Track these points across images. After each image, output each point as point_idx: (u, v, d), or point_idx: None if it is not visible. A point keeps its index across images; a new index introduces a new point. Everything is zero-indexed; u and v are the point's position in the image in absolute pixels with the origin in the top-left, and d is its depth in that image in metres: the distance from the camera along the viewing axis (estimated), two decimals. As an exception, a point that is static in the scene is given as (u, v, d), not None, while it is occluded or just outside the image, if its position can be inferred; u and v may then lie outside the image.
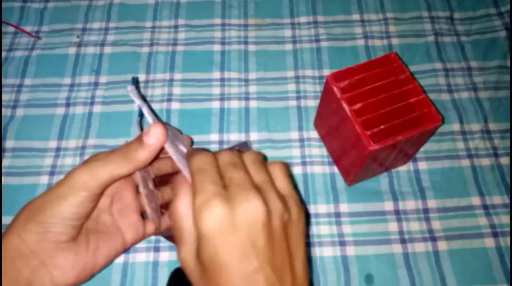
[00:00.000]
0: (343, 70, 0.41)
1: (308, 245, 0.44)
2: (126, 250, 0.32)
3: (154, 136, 0.26)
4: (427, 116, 0.39)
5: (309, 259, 0.44)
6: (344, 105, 0.39)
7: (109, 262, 0.30)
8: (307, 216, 0.46)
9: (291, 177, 0.29)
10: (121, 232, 0.31)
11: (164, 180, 0.35)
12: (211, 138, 0.50)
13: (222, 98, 0.53)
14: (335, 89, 0.40)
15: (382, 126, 0.38)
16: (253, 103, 0.53)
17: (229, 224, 0.22)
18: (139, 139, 0.27)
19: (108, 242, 0.30)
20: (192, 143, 0.48)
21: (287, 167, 0.28)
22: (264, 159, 0.27)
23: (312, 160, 0.49)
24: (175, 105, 0.52)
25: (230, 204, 0.23)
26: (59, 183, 0.27)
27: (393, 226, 0.45)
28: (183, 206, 0.25)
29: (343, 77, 0.41)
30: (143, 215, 0.33)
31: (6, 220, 0.45)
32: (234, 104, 0.53)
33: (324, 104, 0.45)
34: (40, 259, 0.27)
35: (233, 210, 0.23)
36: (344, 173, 0.47)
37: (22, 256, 0.26)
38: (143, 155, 0.26)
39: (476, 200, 0.47)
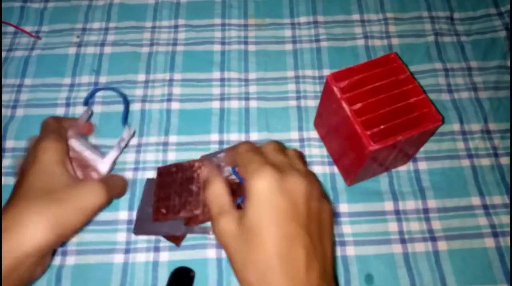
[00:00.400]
0: (343, 70, 0.41)
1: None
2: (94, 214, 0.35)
3: None
4: (427, 116, 0.39)
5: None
6: (344, 105, 0.39)
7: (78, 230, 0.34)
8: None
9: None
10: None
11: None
12: (211, 138, 0.50)
13: (222, 98, 0.53)
14: (335, 89, 0.40)
15: (382, 127, 0.38)
16: (253, 103, 0.53)
17: (278, 187, 0.26)
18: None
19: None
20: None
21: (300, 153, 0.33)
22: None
23: (312, 160, 0.49)
24: (175, 105, 0.52)
25: (280, 174, 0.26)
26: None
27: (393, 226, 0.45)
28: (218, 185, 0.30)
29: (343, 77, 0.41)
30: None
31: (6, 220, 0.45)
32: (234, 104, 0.53)
33: (324, 104, 0.45)
34: None
35: (283, 178, 0.26)
36: (344, 173, 0.47)
37: None
38: None
39: (476, 200, 0.47)
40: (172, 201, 0.38)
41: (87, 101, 0.48)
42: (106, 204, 0.36)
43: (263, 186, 0.26)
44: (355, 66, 0.41)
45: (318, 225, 0.27)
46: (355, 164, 0.42)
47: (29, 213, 0.30)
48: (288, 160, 0.30)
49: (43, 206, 0.31)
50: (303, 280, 0.25)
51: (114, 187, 0.38)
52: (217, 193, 0.30)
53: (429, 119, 0.39)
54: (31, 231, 0.29)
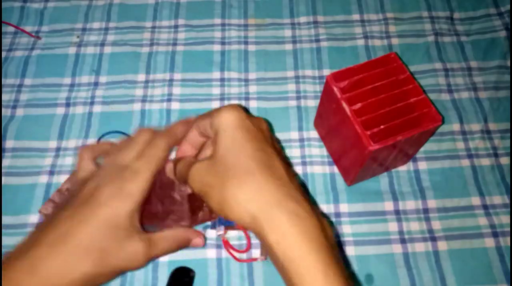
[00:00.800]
0: (343, 70, 0.41)
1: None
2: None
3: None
4: (427, 116, 0.39)
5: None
6: (344, 105, 0.39)
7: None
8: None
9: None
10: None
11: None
12: (211, 138, 0.50)
13: (222, 98, 0.53)
14: (335, 89, 0.40)
15: (382, 126, 0.38)
16: (253, 103, 0.53)
17: (245, 117, 0.27)
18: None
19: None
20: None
21: None
22: None
23: (312, 160, 0.49)
24: (175, 106, 0.52)
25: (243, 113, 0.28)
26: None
27: (393, 226, 0.45)
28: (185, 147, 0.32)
29: (343, 77, 0.41)
30: None
31: (6, 220, 0.45)
32: (234, 104, 0.53)
33: (324, 104, 0.45)
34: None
35: (245, 116, 0.28)
36: (344, 173, 0.47)
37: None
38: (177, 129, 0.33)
39: (476, 200, 0.47)
40: (154, 206, 0.35)
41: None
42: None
43: (230, 117, 0.27)
44: (355, 66, 0.41)
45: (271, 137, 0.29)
46: (355, 164, 0.42)
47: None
48: None
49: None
50: (287, 180, 0.26)
51: (168, 247, 0.31)
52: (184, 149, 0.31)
53: (429, 119, 0.39)
54: None
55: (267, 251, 0.25)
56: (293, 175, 0.27)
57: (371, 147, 0.37)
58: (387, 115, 0.39)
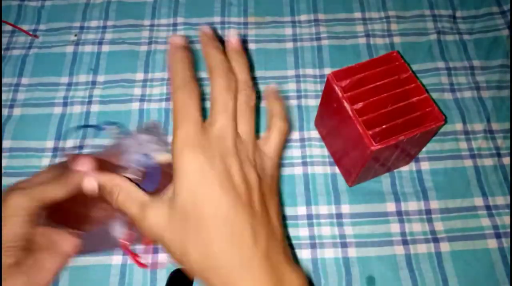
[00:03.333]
0: (344, 69, 0.40)
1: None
2: (69, 259, 0.34)
3: (83, 164, 0.30)
4: (430, 116, 0.39)
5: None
6: (346, 104, 0.39)
7: (56, 275, 0.32)
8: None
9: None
10: (58, 244, 0.33)
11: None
12: (211, 138, 0.50)
13: (221, 97, 0.52)
14: (336, 88, 0.40)
15: (384, 126, 0.38)
16: (253, 103, 0.52)
17: (208, 163, 0.24)
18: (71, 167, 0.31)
19: (50, 256, 0.32)
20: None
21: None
22: None
23: (313, 160, 0.49)
24: (174, 105, 0.52)
25: (206, 149, 0.25)
26: None
27: (395, 227, 0.45)
28: (125, 186, 0.28)
29: (344, 76, 0.40)
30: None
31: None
32: (234, 103, 0.52)
33: (325, 103, 0.45)
34: None
35: (210, 151, 0.25)
36: (345, 174, 0.47)
37: None
38: (76, 179, 0.30)
39: (479, 201, 0.46)
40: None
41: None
42: None
43: (191, 167, 0.24)
44: (357, 65, 0.41)
45: (259, 190, 0.26)
46: (357, 164, 0.41)
47: None
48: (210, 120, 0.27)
49: None
50: (251, 247, 0.24)
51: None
52: (128, 192, 0.28)
53: (432, 118, 0.39)
54: None
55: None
56: (262, 234, 0.25)
57: (372, 146, 0.37)
58: (389, 114, 0.38)
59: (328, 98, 0.42)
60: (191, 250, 0.24)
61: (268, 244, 0.25)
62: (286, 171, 0.48)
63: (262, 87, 0.53)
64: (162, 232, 0.25)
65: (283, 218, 0.46)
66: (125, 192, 0.28)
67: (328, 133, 0.48)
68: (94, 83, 0.53)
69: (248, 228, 0.24)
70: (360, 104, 0.39)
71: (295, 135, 0.50)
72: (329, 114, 0.44)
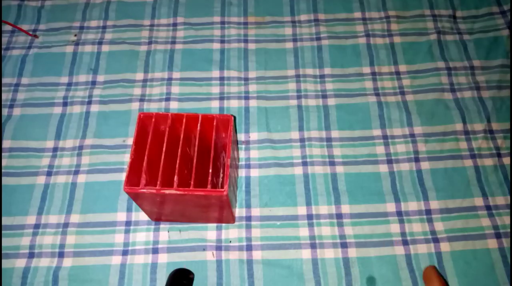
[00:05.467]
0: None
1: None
2: None
3: None
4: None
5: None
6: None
7: None
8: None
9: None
10: None
11: None
12: (211, 138, 0.50)
13: (221, 97, 0.52)
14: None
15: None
16: (253, 103, 0.52)
17: None
18: None
19: None
20: None
21: None
22: None
23: (313, 160, 0.48)
24: (173, 105, 0.52)
25: None
26: None
27: (395, 228, 0.45)
28: None
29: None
30: None
31: (3, 221, 0.45)
32: (234, 103, 0.52)
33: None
34: None
35: None
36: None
37: None
38: None
39: (479, 201, 0.46)
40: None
41: None
42: None
43: None
44: None
45: None
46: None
47: None
48: None
49: None
50: None
51: None
52: None
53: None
54: None
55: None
56: None
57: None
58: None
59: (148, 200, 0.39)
60: None
61: None
62: (286, 171, 0.48)
63: (262, 86, 0.53)
64: None
65: (282, 217, 0.46)
66: None
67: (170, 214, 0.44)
68: (94, 83, 0.53)
69: None
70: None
71: (295, 135, 0.50)
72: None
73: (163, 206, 0.40)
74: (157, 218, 0.44)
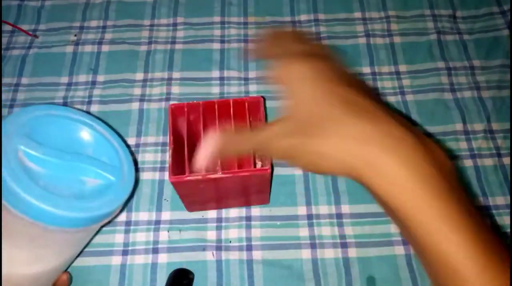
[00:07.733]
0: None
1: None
2: None
3: None
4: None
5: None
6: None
7: None
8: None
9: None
10: None
11: None
12: (211, 138, 0.50)
13: (221, 97, 0.52)
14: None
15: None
16: (253, 103, 0.52)
17: (312, 71, 0.27)
18: None
19: None
20: None
21: None
22: None
23: (313, 160, 0.48)
24: (174, 105, 0.52)
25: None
26: None
27: (395, 227, 0.45)
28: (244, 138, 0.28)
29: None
30: None
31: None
32: (234, 103, 0.52)
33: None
34: None
35: (311, 64, 0.27)
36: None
37: None
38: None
39: (478, 201, 0.46)
40: None
41: None
42: None
43: (293, 75, 0.28)
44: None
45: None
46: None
47: None
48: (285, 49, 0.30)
49: None
50: (375, 113, 0.24)
51: None
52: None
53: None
54: None
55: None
56: (378, 105, 0.25)
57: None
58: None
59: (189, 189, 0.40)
60: (323, 150, 0.23)
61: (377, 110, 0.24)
62: (286, 171, 0.48)
63: (262, 86, 0.53)
64: (286, 144, 0.25)
65: (283, 217, 0.46)
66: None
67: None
68: (94, 83, 0.53)
69: (365, 102, 0.24)
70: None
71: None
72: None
73: (204, 193, 0.41)
74: (195, 208, 0.45)
